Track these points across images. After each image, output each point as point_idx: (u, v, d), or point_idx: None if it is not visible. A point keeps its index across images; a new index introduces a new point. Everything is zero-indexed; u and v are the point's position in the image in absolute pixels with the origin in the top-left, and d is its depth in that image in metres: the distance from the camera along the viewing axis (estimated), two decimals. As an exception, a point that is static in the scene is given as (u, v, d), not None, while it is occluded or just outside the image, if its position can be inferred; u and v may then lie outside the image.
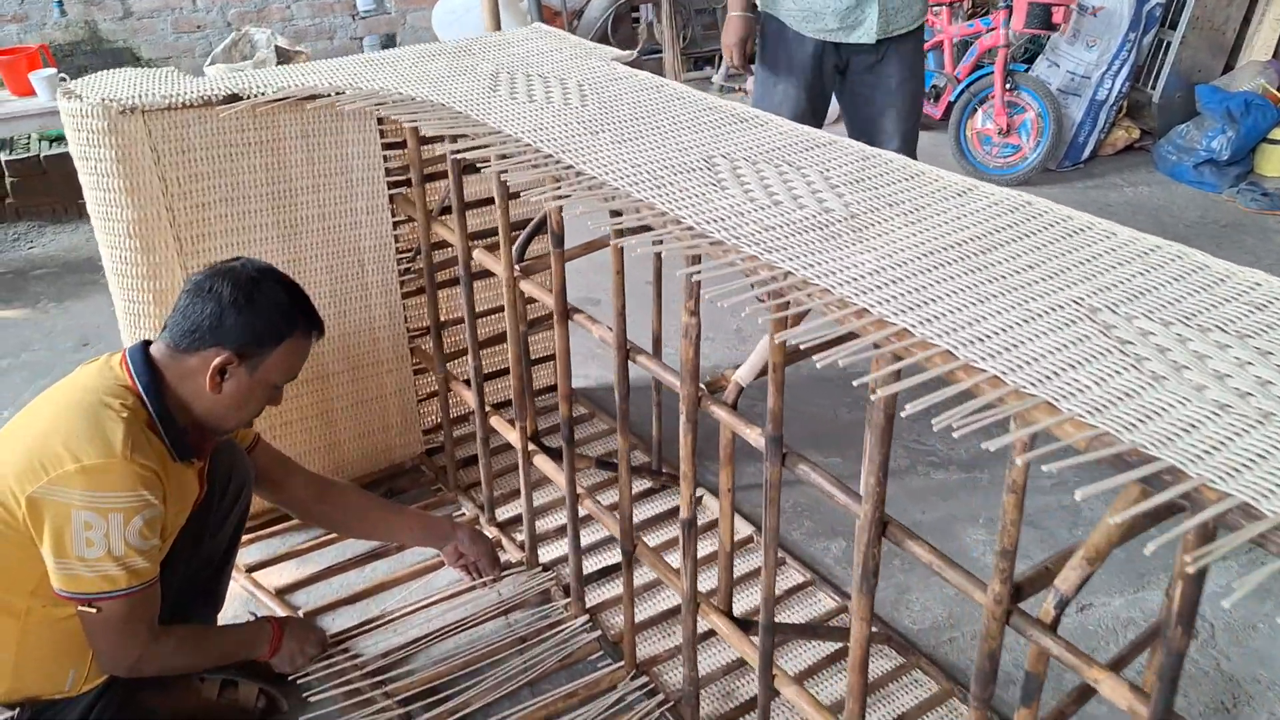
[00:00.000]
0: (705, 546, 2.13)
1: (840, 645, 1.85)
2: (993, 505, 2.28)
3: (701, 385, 1.42)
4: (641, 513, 2.26)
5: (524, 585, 2.04)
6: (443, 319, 2.21)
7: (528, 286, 1.77)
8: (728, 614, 1.56)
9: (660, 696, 1.77)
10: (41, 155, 3.72)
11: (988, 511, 2.26)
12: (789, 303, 1.14)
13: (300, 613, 1.98)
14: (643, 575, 2.05)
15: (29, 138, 3.84)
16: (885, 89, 2.74)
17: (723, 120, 1.63)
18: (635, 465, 2.39)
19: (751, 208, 1.30)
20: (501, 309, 2.45)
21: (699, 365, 1.40)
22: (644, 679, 1.81)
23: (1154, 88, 4.13)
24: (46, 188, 3.76)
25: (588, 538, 2.09)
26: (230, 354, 1.47)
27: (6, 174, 3.73)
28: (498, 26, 2.86)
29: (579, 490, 1.84)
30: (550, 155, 1.46)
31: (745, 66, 2.78)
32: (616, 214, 1.33)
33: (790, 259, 1.16)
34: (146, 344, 1.50)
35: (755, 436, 1.34)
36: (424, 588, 2.05)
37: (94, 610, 1.40)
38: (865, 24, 2.63)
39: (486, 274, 2.18)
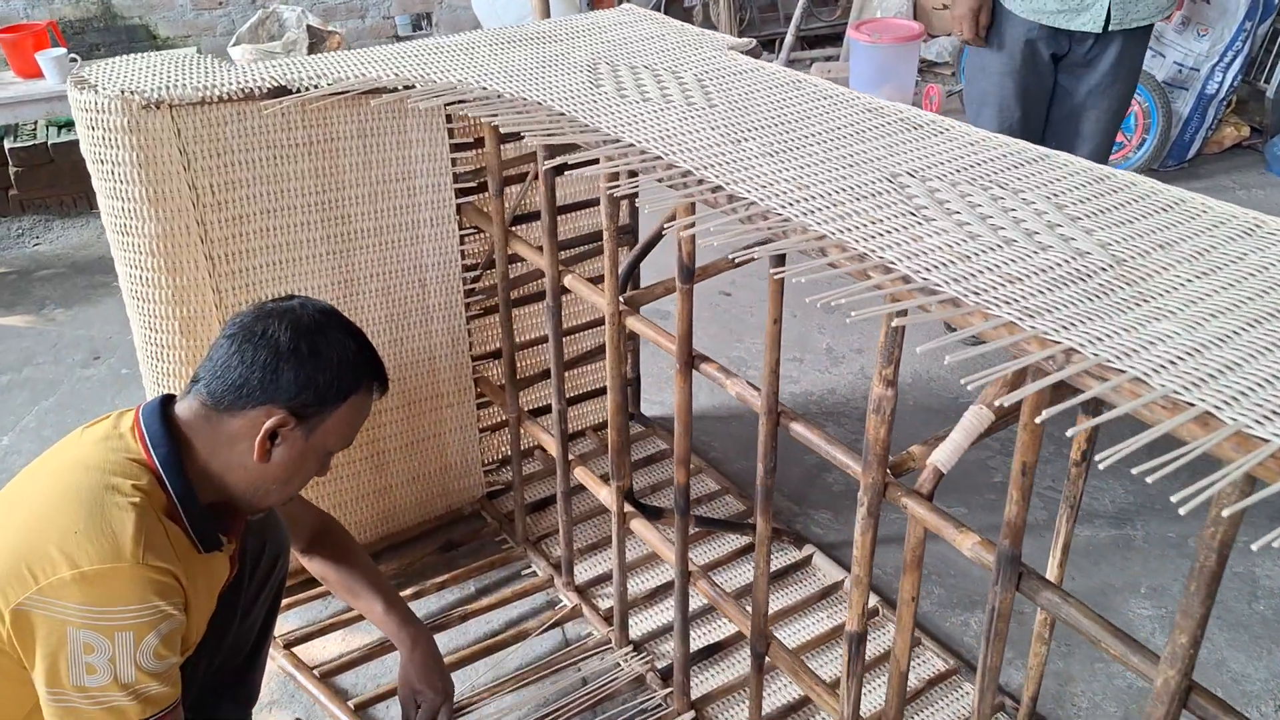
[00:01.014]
0: (823, 619, 1.82)
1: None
2: (1155, 570, 1.95)
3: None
4: (735, 574, 1.95)
5: (613, 667, 1.74)
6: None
7: (638, 325, 1.45)
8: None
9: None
10: (49, 143, 3.41)
11: (1150, 579, 1.94)
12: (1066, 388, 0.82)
13: (350, 704, 1.68)
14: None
15: (35, 123, 3.54)
16: (1095, 86, 2.40)
17: (891, 126, 1.31)
18: (727, 516, 2.08)
19: (975, 248, 0.98)
20: (579, 330, 2.15)
21: (889, 445, 1.09)
22: (769, 799, 1.51)
23: (1268, 81, 3.77)
24: (54, 178, 3.45)
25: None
26: (285, 414, 1.17)
27: (10, 163, 3.42)
28: (547, 11, 2.54)
29: (691, 569, 1.53)
30: (690, 173, 1.14)
31: (978, 39, 2.45)
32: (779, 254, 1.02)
33: (1061, 326, 0.84)
34: (167, 401, 1.20)
35: (975, 547, 1.03)
36: (493, 668, 1.75)
37: None
38: (1093, 9, 2.28)
39: (569, 290, 1.87)
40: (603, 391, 2.28)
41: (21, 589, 1.04)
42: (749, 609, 1.43)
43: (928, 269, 0.93)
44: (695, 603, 1.82)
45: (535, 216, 1.93)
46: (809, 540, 2.02)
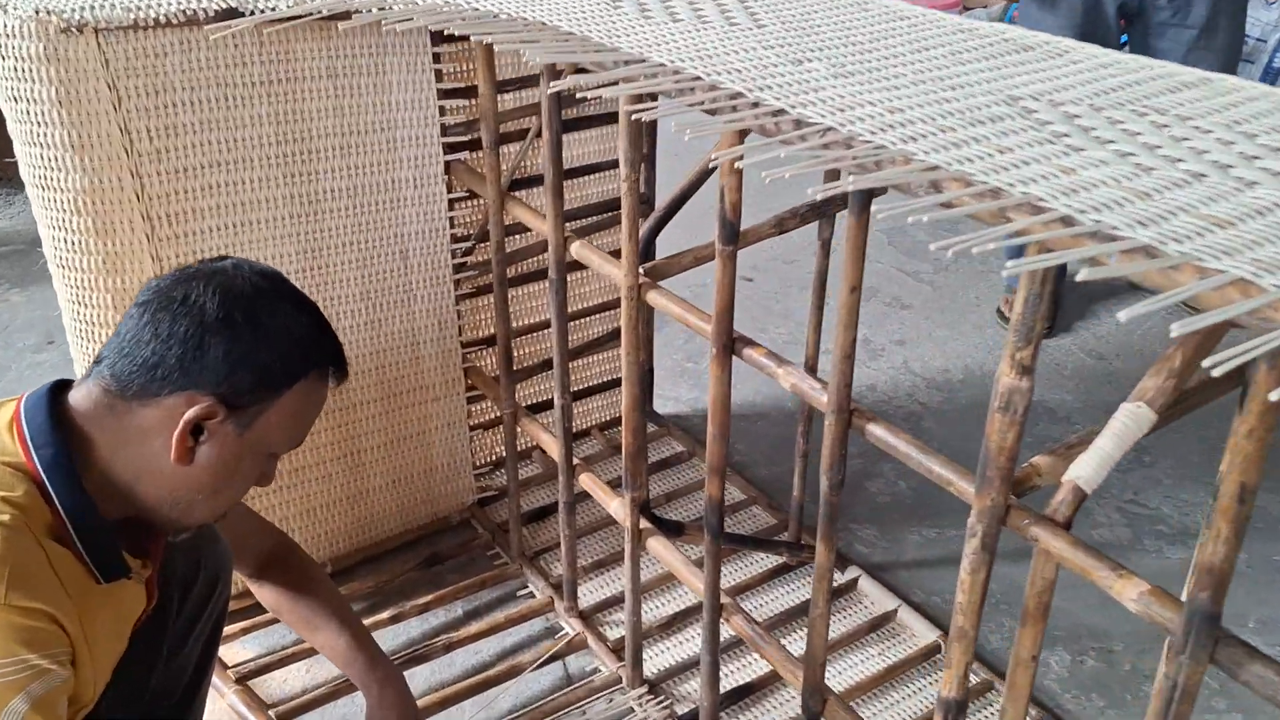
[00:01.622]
0: (874, 655, 1.55)
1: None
2: (1265, 600, 1.68)
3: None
4: (766, 600, 1.68)
5: (625, 713, 1.46)
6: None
7: (661, 301, 1.17)
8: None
9: None
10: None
11: (1259, 609, 1.66)
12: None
13: (312, 752, 1.40)
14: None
15: None
16: (1189, 45, 2.09)
17: (994, 47, 1.03)
18: (756, 531, 1.81)
19: (1154, 183, 0.70)
20: (586, 314, 1.87)
21: (1016, 457, 0.81)
22: None
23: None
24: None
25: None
26: (212, 402, 0.89)
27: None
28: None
29: (723, 600, 1.25)
30: (741, 94, 0.87)
31: None
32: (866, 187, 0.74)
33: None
34: (61, 388, 0.92)
35: (1144, 597, 0.75)
36: (482, 710, 1.48)
37: None
38: None
39: (575, 267, 1.59)
40: (611, 385, 2.01)
41: None
42: (782, 647, 1.16)
43: (1096, 209, 0.65)
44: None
45: (537, 181, 1.66)
46: (852, 560, 1.74)
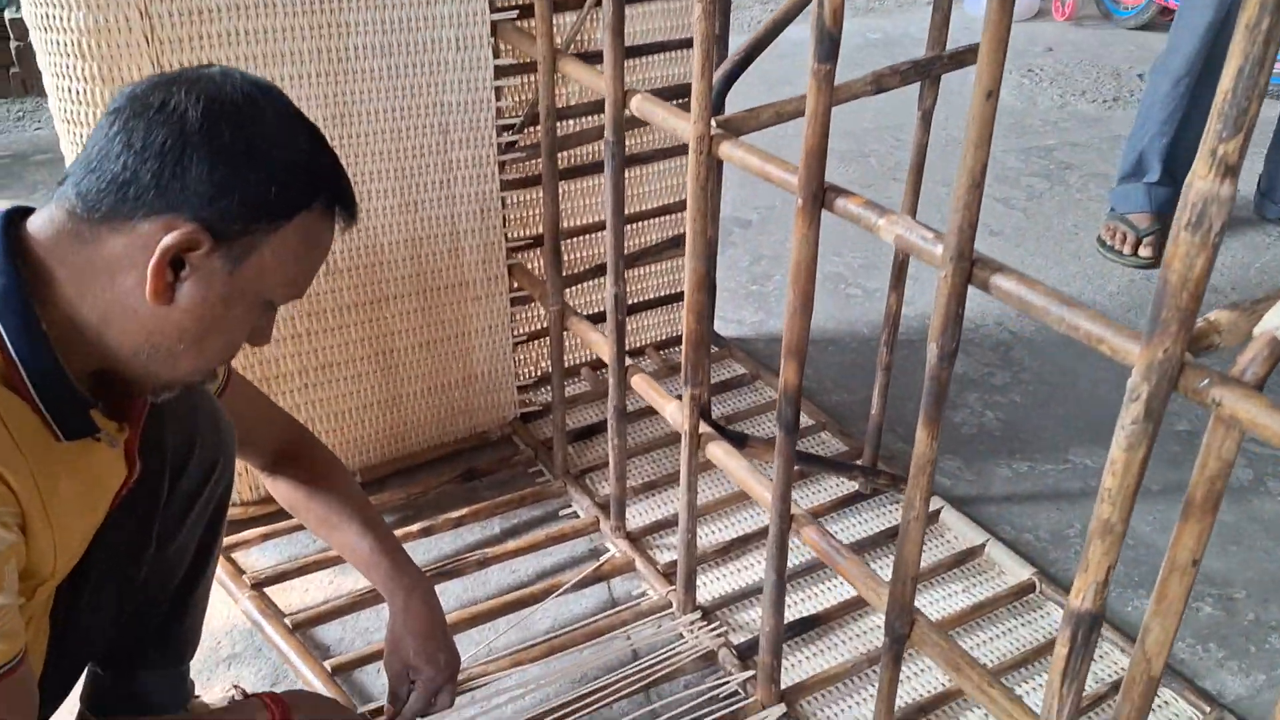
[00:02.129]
0: (959, 591, 1.37)
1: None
2: None
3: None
4: (843, 530, 1.51)
5: (674, 639, 1.31)
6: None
7: (736, 153, 1.00)
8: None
9: None
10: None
11: None
12: None
13: (328, 665, 1.27)
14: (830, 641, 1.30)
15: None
16: None
17: None
18: (834, 456, 1.63)
19: None
20: (642, 218, 1.70)
21: (1201, 297, 0.62)
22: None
23: None
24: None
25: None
26: (195, 229, 0.73)
27: (11, 36, 3.06)
28: None
29: (795, 511, 1.08)
30: None
31: None
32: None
33: None
34: (17, 215, 0.77)
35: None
36: (517, 628, 1.34)
37: None
38: None
39: (633, 163, 1.42)
40: (669, 300, 1.84)
41: None
42: (864, 562, 0.99)
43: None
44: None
45: (595, 58, 1.48)
46: (934, 492, 1.56)
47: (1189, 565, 0.70)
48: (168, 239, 0.73)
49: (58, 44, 1.19)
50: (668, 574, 1.39)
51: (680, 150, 1.68)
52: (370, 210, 1.41)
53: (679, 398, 1.22)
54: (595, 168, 1.62)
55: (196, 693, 1.18)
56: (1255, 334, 0.64)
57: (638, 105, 1.13)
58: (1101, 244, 2.27)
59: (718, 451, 1.19)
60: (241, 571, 1.40)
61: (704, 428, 1.21)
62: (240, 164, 0.75)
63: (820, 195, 0.89)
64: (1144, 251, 2.21)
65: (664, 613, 1.34)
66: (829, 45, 0.82)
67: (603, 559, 1.44)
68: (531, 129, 1.51)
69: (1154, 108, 2.17)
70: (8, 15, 3.05)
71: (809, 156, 0.87)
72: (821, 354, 1.93)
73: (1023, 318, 2.03)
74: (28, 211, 0.78)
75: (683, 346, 1.14)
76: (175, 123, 0.74)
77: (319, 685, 1.23)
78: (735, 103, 1.21)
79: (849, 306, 2.09)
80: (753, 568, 1.43)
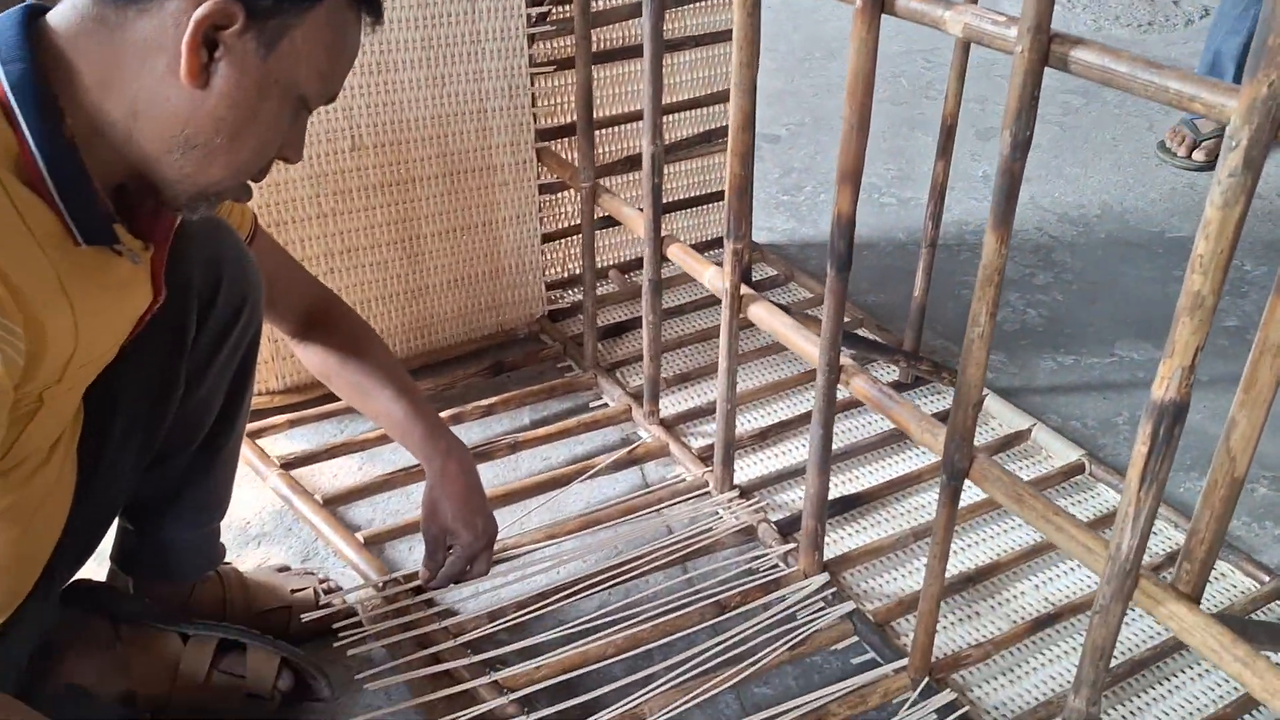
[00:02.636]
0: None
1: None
2: None
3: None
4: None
5: (710, 516, 1.27)
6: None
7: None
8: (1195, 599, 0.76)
9: (984, 732, 0.99)
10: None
11: None
12: None
13: (360, 536, 1.24)
14: (879, 519, 1.26)
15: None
16: None
17: None
18: (881, 343, 1.59)
19: None
20: (676, 110, 1.66)
21: None
22: (947, 695, 1.03)
23: None
24: None
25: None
26: (229, 2, 0.70)
27: None
28: None
29: (843, 362, 1.04)
30: None
31: None
32: None
33: None
34: (35, 11, 0.73)
35: None
36: (549, 510, 1.30)
37: None
38: None
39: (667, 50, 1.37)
40: (700, 201, 1.79)
41: None
42: (916, 407, 0.94)
43: None
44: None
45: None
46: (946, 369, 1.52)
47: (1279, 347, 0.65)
48: (200, 10, 0.68)
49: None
50: (703, 458, 1.36)
51: (713, 37, 1.64)
52: (396, 83, 1.37)
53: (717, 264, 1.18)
54: (628, 52, 1.57)
55: (228, 559, 1.15)
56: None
57: (678, -58, 1.08)
58: (1160, 147, 2.23)
59: (760, 311, 1.14)
60: (267, 455, 1.37)
61: (745, 290, 1.16)
62: (274, -56, 0.71)
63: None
64: (1198, 155, 2.15)
65: (700, 492, 1.31)
66: None
67: (635, 444, 1.40)
68: (563, 6, 1.47)
69: (1227, 4, 2.11)
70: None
71: (867, -48, 0.82)
72: (858, 257, 1.86)
73: (1064, 221, 1.98)
74: (38, 9, 0.74)
75: (727, 194, 1.09)
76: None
77: (353, 555, 1.20)
78: None
79: (884, 214, 2.04)
80: (790, 452, 1.39)
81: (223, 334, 0.98)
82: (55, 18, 0.72)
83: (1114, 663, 0.88)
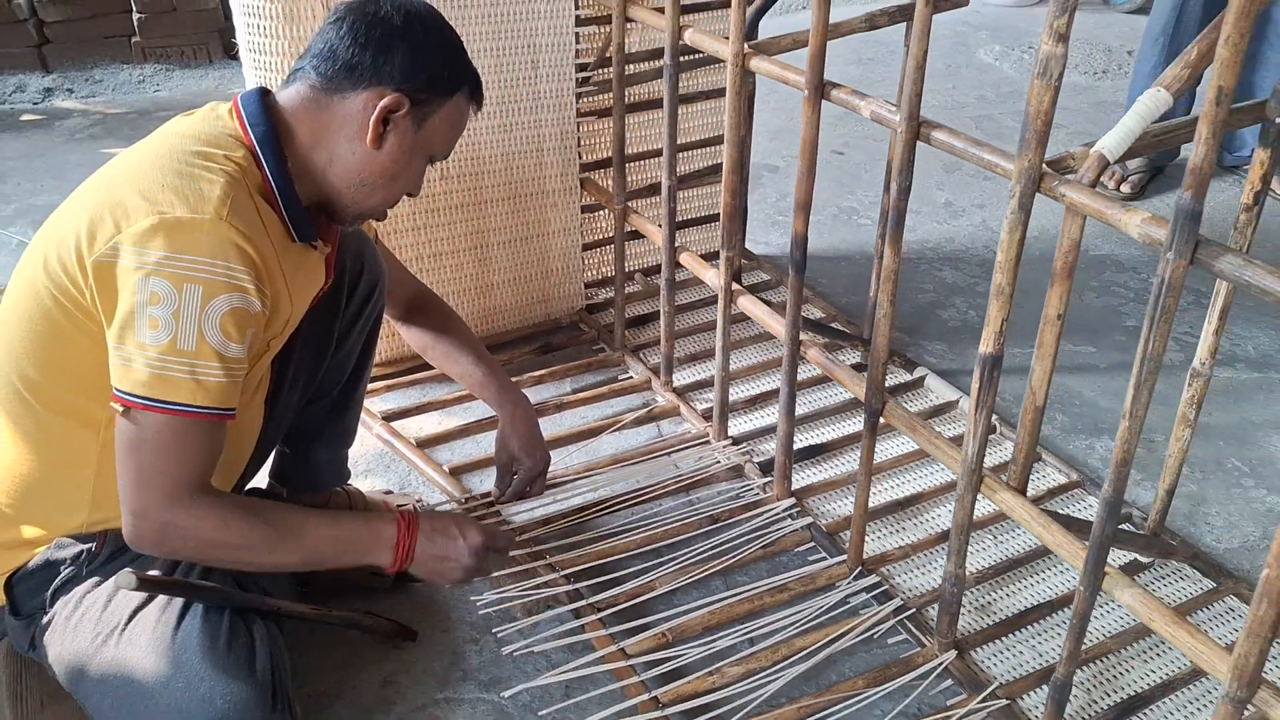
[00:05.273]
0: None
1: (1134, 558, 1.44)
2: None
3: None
4: (843, 391, 1.87)
5: (709, 459, 1.68)
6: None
7: (762, 65, 1.36)
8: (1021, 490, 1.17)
9: (897, 602, 1.39)
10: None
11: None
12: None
13: (446, 466, 1.66)
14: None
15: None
16: None
17: None
18: (841, 329, 1.99)
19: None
20: (689, 148, 2.07)
21: (1051, 121, 0.98)
22: (872, 579, 1.43)
23: None
24: (176, 27, 3.51)
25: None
26: (399, 95, 1.11)
27: (135, 9, 3.49)
28: None
29: (803, 336, 1.45)
30: None
31: None
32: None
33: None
34: (265, 91, 1.16)
35: (1145, 224, 0.92)
36: (586, 453, 1.72)
37: (131, 423, 1.03)
38: None
39: (683, 52, 1.79)
40: (709, 219, 2.21)
41: (103, 239, 1.01)
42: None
43: None
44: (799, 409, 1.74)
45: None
46: (920, 364, 1.92)
47: (1055, 319, 1.06)
48: (384, 101, 1.11)
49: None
50: (705, 416, 1.77)
51: (718, 93, 2.05)
52: (475, 129, 1.80)
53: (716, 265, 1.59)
54: (651, 104, 1.99)
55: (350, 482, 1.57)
56: (1093, 151, 1.00)
57: (690, 35, 1.50)
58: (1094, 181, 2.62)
59: (746, 302, 1.56)
60: (371, 411, 1.79)
61: (735, 286, 1.58)
62: (426, 52, 1.13)
63: (820, 87, 1.26)
64: (1124, 188, 2.55)
65: (701, 441, 1.72)
66: (827, -21, 1.19)
67: (653, 406, 1.82)
68: (602, 70, 1.89)
69: (1142, 63, 2.51)
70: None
71: (813, 57, 1.24)
72: (835, 267, 2.29)
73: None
74: (268, 91, 1.16)
75: (720, 218, 1.51)
76: (386, 23, 1.12)
77: (441, 480, 1.62)
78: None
79: (859, 232, 2.45)
80: (772, 414, 1.80)
81: (361, 306, 1.40)
82: (283, 96, 1.15)
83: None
